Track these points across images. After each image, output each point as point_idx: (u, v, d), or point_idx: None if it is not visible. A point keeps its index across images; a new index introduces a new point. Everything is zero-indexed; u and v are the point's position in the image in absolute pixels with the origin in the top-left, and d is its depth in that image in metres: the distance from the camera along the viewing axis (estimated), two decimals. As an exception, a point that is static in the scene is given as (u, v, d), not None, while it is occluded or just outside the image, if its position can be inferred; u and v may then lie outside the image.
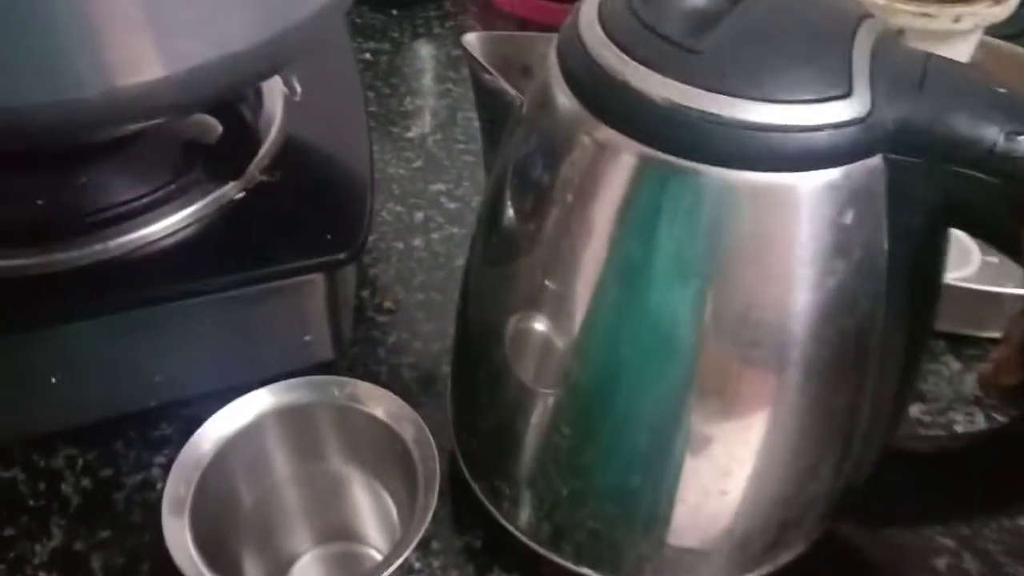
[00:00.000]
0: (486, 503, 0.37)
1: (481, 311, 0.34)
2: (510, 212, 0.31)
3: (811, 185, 0.24)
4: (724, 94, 0.23)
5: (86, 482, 0.41)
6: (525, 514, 0.35)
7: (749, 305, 0.25)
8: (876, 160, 0.24)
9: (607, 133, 0.26)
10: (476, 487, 0.37)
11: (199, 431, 0.32)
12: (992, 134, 0.23)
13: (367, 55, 0.74)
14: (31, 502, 0.40)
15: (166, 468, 0.41)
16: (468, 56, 0.33)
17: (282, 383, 0.34)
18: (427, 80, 0.73)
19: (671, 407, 0.28)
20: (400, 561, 0.29)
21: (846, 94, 0.24)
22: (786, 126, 0.23)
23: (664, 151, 0.24)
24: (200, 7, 0.29)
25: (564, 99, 0.27)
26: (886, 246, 0.25)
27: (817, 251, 0.25)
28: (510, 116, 0.32)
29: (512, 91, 0.31)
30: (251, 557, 0.35)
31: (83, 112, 0.29)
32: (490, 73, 0.32)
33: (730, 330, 0.26)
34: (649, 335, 0.27)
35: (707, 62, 0.24)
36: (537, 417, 0.32)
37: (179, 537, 0.29)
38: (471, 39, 0.33)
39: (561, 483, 0.32)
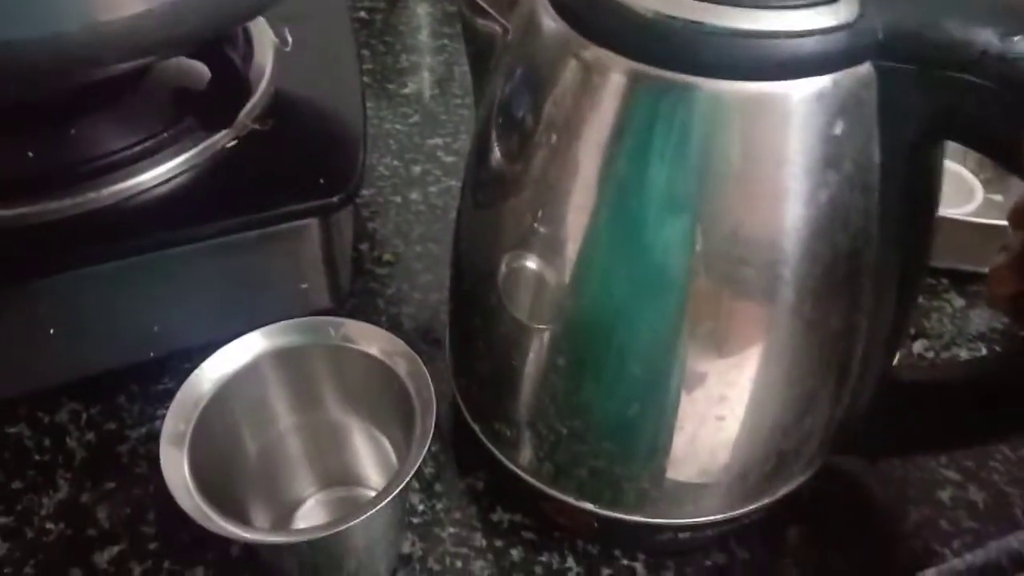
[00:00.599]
0: (488, 444, 0.37)
1: (474, 253, 0.34)
2: (497, 148, 0.30)
3: (799, 94, 0.23)
4: (708, 1, 0.23)
5: (90, 436, 0.41)
6: (526, 453, 0.35)
7: (739, 222, 0.25)
8: (866, 67, 0.24)
9: (595, 52, 0.25)
10: (477, 429, 0.37)
11: (196, 371, 0.32)
12: (985, 36, 0.23)
13: (362, 13, 0.73)
14: (36, 456, 0.41)
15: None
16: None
17: (276, 325, 0.34)
18: (423, 37, 0.72)
19: (666, 336, 0.28)
20: (402, 487, 0.29)
21: (833, -1, 0.23)
22: (771, 32, 0.23)
23: (651, 64, 0.24)
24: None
25: (549, 22, 0.27)
26: (878, 159, 0.25)
27: (807, 164, 0.24)
28: (495, 48, 0.31)
29: (500, 20, 0.31)
30: (255, 502, 0.35)
31: (66, 48, 0.28)
32: (477, 5, 0.32)
33: (721, 250, 0.26)
34: (642, 263, 0.27)
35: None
36: (533, 356, 0.32)
37: (177, 468, 0.29)
38: None
39: (559, 421, 0.32)
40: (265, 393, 0.35)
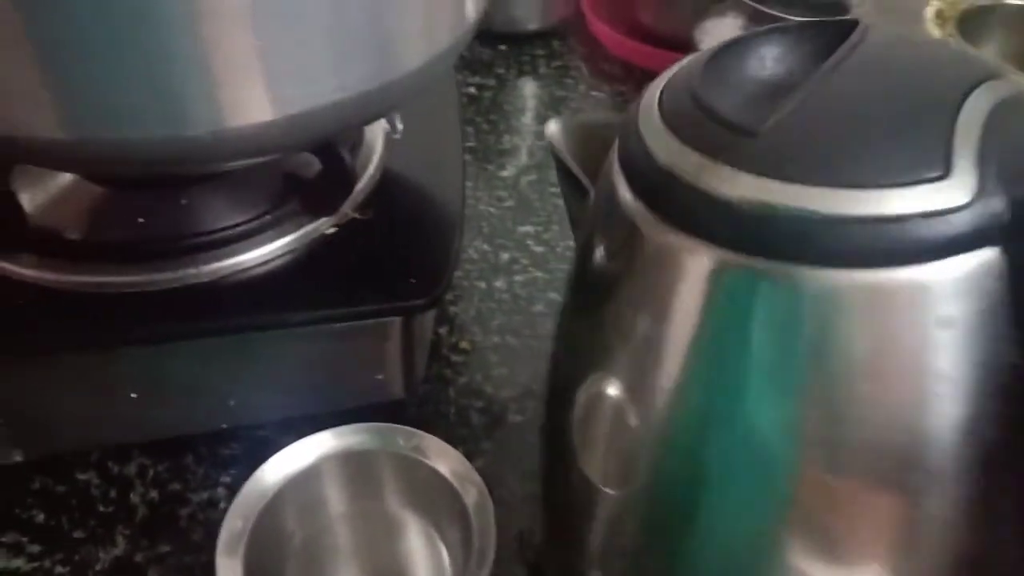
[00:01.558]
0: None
1: (559, 399, 0.33)
2: (586, 305, 0.29)
3: (911, 282, 0.22)
4: (789, 182, 0.21)
5: (154, 494, 0.42)
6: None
7: (854, 411, 0.23)
8: (990, 252, 0.22)
9: (675, 236, 0.23)
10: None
11: (260, 469, 0.32)
12: None
13: (471, 89, 0.74)
14: (101, 507, 0.41)
15: (230, 488, 0.42)
16: (550, 144, 0.32)
17: (348, 427, 0.34)
18: (527, 119, 0.73)
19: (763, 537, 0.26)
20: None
21: (941, 175, 0.21)
22: (875, 217, 0.21)
23: (742, 253, 0.22)
24: (312, 56, 0.30)
25: (626, 196, 0.25)
26: (1011, 356, 0.23)
27: (919, 360, 0.23)
28: (585, 200, 0.31)
29: (586, 180, 0.30)
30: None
31: (191, 149, 0.30)
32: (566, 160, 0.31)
33: (828, 450, 0.24)
34: (741, 446, 0.25)
35: (768, 146, 0.22)
36: (604, 517, 0.30)
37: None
38: (553, 128, 0.32)
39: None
40: (323, 489, 0.35)
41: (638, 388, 0.27)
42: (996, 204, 0.21)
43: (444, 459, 0.33)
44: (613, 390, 0.27)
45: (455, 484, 0.32)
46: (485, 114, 0.72)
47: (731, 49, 0.27)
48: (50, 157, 0.32)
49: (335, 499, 0.35)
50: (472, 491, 0.32)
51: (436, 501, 0.34)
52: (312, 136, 0.34)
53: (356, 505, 0.36)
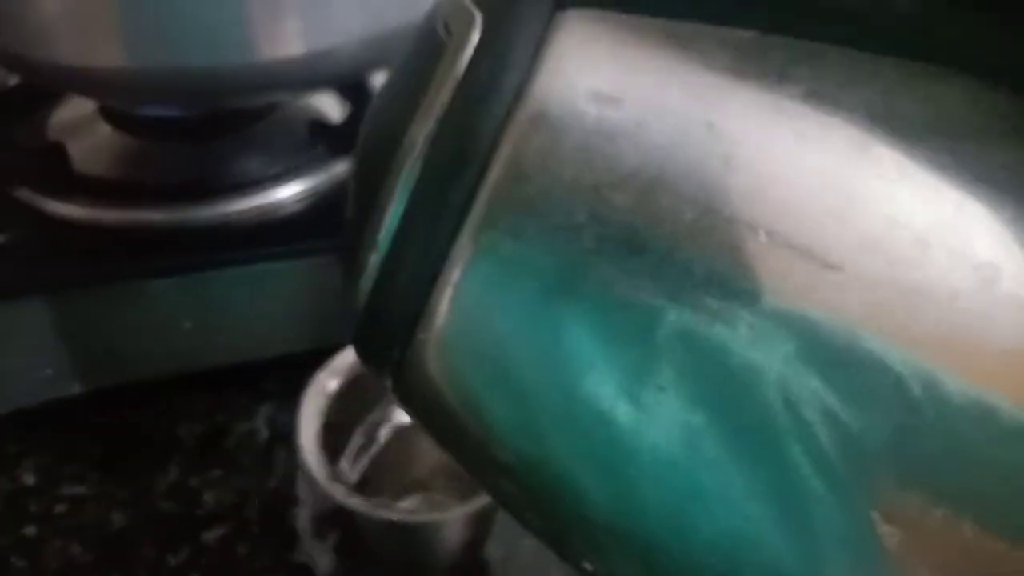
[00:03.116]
0: None
1: None
2: None
3: None
4: None
5: (199, 427, 0.45)
6: None
7: None
8: None
9: None
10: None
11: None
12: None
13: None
14: (152, 439, 0.44)
15: (271, 419, 0.46)
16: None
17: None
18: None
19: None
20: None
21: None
22: None
23: None
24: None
25: None
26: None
27: None
28: None
29: None
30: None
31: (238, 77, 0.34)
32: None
33: None
34: None
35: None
36: None
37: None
38: None
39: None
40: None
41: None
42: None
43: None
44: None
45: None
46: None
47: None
48: (109, 85, 0.36)
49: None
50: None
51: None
52: (345, 71, 0.37)
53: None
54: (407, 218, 0.16)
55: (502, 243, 0.15)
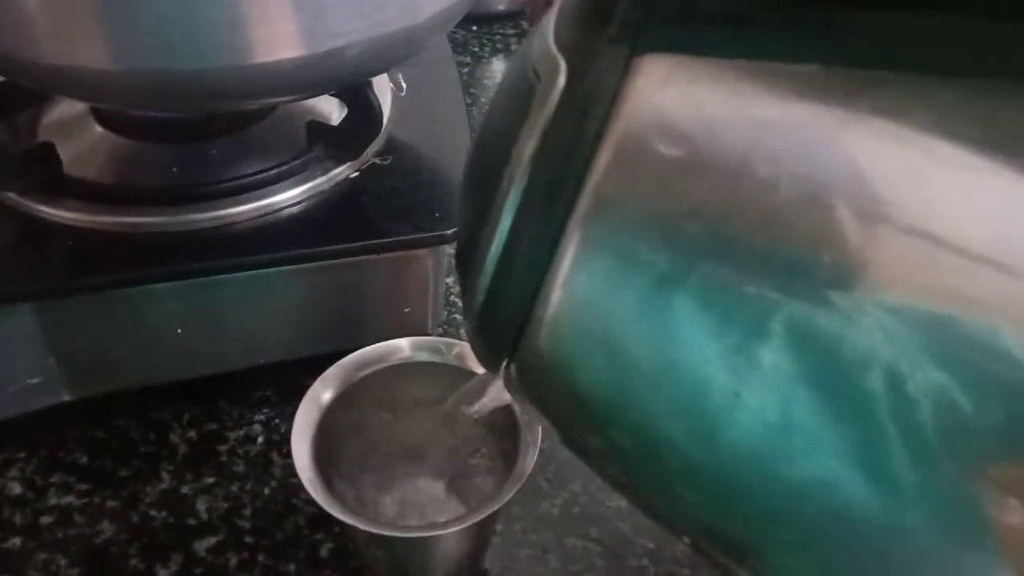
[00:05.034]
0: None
1: None
2: None
3: None
4: None
5: (192, 433, 0.44)
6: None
7: None
8: None
9: None
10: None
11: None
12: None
13: (449, 66, 0.78)
14: (142, 448, 0.43)
15: (266, 425, 0.45)
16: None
17: (403, 339, 0.37)
18: (505, 92, 0.76)
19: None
20: (501, 504, 0.31)
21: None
22: None
23: None
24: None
25: None
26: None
27: None
28: None
29: None
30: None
31: (233, 82, 0.33)
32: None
33: None
34: None
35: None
36: None
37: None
38: None
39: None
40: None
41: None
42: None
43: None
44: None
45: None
46: (465, 88, 0.75)
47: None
48: (94, 88, 0.34)
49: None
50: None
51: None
52: (344, 75, 0.36)
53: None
54: (519, 219, 0.19)
55: (602, 239, 0.18)
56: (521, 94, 0.19)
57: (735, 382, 0.16)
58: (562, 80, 0.18)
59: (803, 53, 0.15)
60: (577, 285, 0.18)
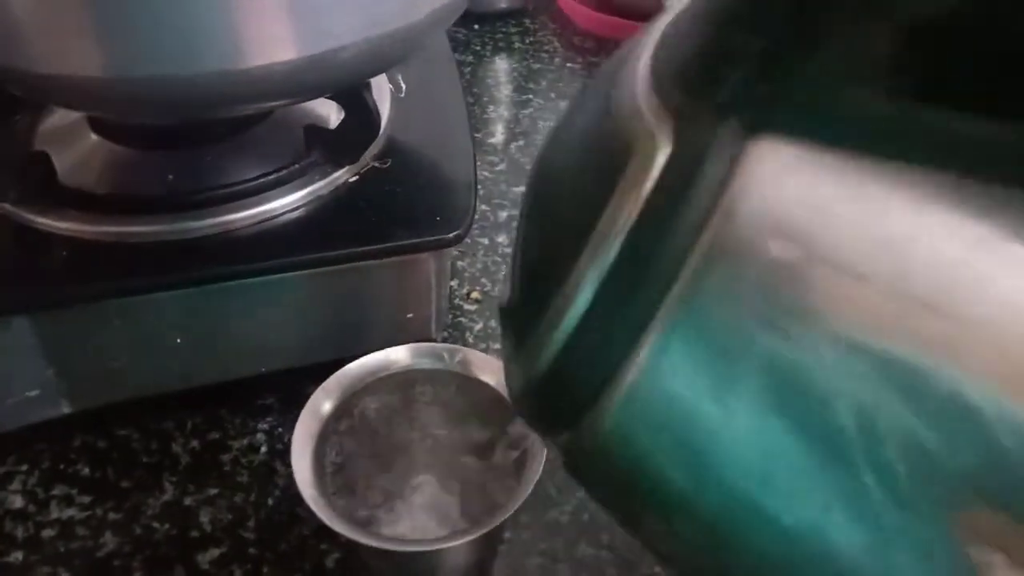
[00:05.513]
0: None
1: None
2: None
3: None
4: None
5: (194, 443, 0.44)
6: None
7: None
8: None
9: None
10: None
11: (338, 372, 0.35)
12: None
13: (451, 65, 0.77)
14: (144, 459, 0.43)
15: (269, 434, 0.44)
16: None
17: (401, 347, 0.36)
18: (508, 91, 0.75)
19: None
20: (507, 516, 0.31)
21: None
22: None
23: None
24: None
25: None
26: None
27: None
28: None
29: None
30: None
31: (227, 86, 0.32)
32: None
33: None
34: None
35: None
36: None
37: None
38: None
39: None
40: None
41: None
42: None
43: (491, 372, 0.35)
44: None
45: (504, 394, 0.35)
46: (468, 87, 0.74)
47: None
48: (85, 96, 0.34)
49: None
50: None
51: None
52: (340, 78, 0.36)
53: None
54: (600, 297, 0.17)
55: (691, 334, 0.16)
56: (607, 154, 0.17)
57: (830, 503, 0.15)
58: (662, 159, 0.16)
59: (939, 158, 0.14)
60: (658, 377, 0.17)
